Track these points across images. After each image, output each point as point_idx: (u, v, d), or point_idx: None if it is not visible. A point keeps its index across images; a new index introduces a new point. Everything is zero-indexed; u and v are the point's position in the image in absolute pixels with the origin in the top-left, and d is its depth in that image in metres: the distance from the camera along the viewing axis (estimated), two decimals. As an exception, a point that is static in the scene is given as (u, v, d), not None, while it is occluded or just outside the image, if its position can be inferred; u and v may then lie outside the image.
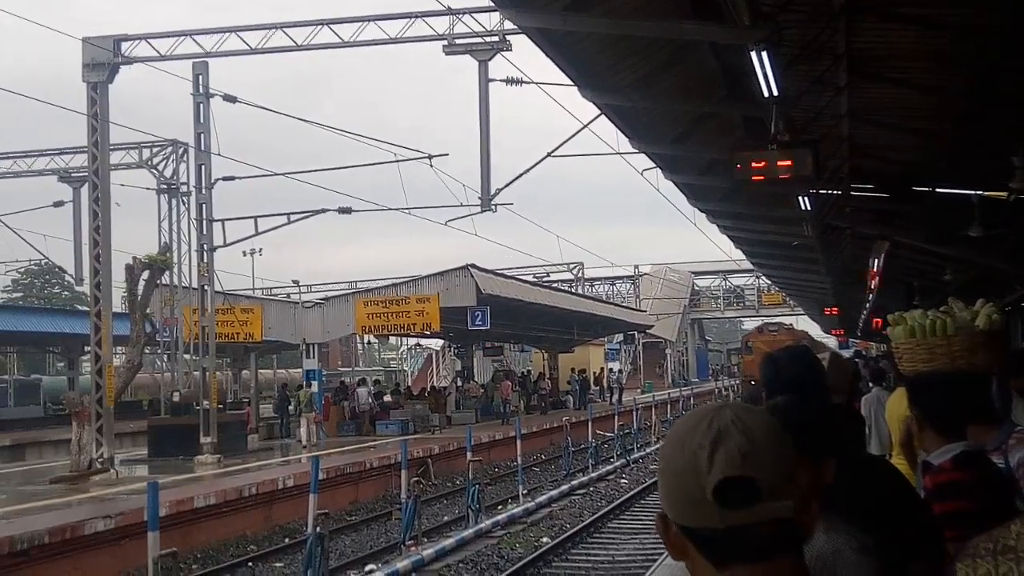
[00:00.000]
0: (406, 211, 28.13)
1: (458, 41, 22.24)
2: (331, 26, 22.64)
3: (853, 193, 16.96)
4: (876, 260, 20.07)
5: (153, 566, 10.54)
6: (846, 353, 47.76)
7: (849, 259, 24.51)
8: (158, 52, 23.73)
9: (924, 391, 3.86)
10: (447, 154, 25.06)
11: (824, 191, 16.11)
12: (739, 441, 1.42)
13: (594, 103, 13.35)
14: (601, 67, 12.16)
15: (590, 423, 29.77)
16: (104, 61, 23.32)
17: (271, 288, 60.08)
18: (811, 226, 18.81)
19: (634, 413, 36.77)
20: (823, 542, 2.42)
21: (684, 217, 30.49)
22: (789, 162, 9.91)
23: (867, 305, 29.49)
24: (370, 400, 36.87)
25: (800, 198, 16.10)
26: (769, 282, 62.13)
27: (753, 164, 9.99)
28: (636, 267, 75.64)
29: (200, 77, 25.35)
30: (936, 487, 3.55)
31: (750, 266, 48.10)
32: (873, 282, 23.16)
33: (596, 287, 75.32)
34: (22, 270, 61.69)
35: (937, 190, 15.89)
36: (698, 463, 1.42)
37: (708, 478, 1.41)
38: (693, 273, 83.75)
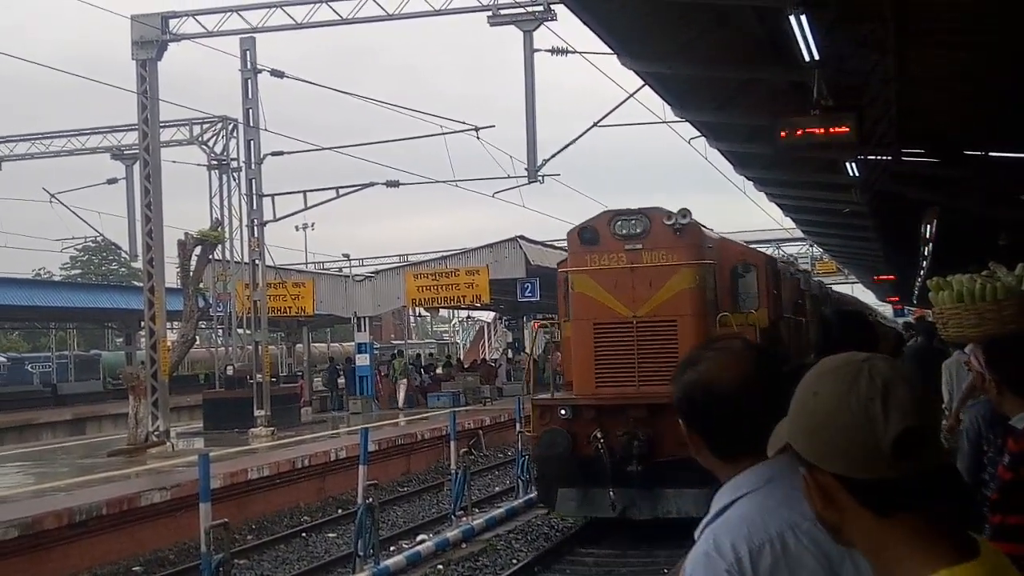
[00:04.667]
0: (453, 183, 28.18)
1: (503, 11, 22.13)
2: (376, -1, 22.65)
3: (903, 158, 16.68)
4: (928, 226, 19.77)
5: (205, 536, 10.72)
6: (900, 320, 47.00)
7: (902, 225, 24.16)
8: (205, 28, 23.92)
9: (1003, 354, 3.72)
10: (493, 126, 25.04)
11: (872, 156, 15.86)
12: (907, 390, 1.48)
13: (635, 71, 13.25)
14: (641, 35, 12.05)
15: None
16: (152, 38, 23.58)
17: (322, 262, 60.57)
18: (860, 192, 18.55)
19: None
20: None
21: (734, 186, 30.24)
22: (833, 128, 9.78)
23: (921, 272, 29.05)
24: (420, 374, 37.32)
25: (847, 164, 15.87)
26: (822, 250, 61.37)
27: (796, 130, 9.87)
28: (687, 236, 75.02)
29: (247, 53, 25.52)
30: (1022, 452, 3.39)
31: (802, 234, 47.35)
32: (926, 248, 22.82)
33: (647, 257, 74.82)
34: (79, 247, 62.71)
35: (990, 154, 15.59)
36: (871, 416, 1.46)
37: (885, 430, 1.45)
38: (745, 242, 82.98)
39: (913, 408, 1.46)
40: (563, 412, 14.53)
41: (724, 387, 2.12)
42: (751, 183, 23.76)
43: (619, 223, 14.89)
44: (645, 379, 14.12)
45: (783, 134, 10.11)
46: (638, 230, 14.81)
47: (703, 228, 15.36)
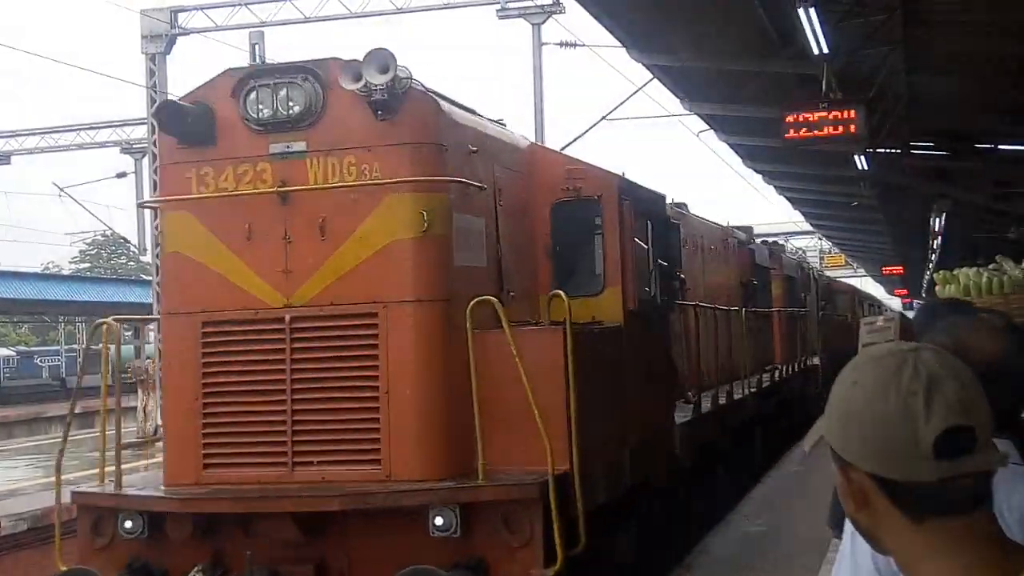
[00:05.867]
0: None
1: (511, 5, 22.09)
2: (385, -8, 22.62)
3: (913, 151, 16.67)
4: (937, 219, 19.76)
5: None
6: (909, 314, 46.93)
7: (910, 218, 24.15)
8: (214, 22, 23.94)
9: None
10: (502, 119, 25.01)
11: (881, 149, 15.85)
12: (955, 387, 1.34)
13: (643, 64, 13.25)
14: (648, 28, 12.05)
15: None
16: (161, 32, 23.59)
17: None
18: (870, 185, 18.55)
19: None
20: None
21: (742, 179, 30.23)
22: (841, 120, 9.77)
23: (930, 265, 29.03)
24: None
25: (857, 157, 15.87)
26: (831, 243, 61.38)
27: (804, 123, 9.85)
28: (696, 230, 74.94)
29: (256, 47, 25.50)
30: None
31: (810, 227, 47.31)
32: (935, 241, 22.80)
33: (655, 251, 74.69)
34: (88, 241, 62.91)
35: (999, 147, 15.58)
36: (912, 411, 1.32)
37: (927, 428, 1.31)
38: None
39: (960, 406, 1.32)
40: (127, 525, 6.89)
41: (975, 358, 1.92)
42: (759, 176, 23.73)
43: (254, 93, 7.02)
44: (307, 449, 6.85)
45: (791, 127, 10.09)
46: (296, 108, 6.96)
47: (444, 103, 7.38)
